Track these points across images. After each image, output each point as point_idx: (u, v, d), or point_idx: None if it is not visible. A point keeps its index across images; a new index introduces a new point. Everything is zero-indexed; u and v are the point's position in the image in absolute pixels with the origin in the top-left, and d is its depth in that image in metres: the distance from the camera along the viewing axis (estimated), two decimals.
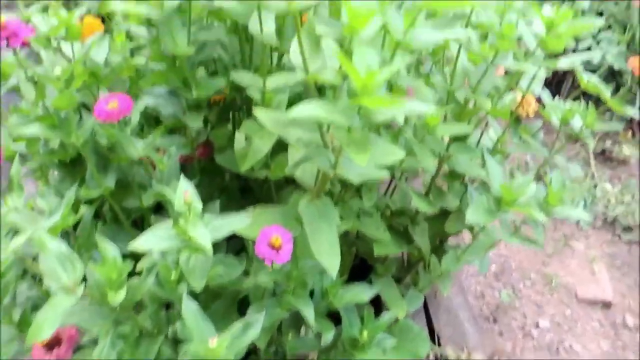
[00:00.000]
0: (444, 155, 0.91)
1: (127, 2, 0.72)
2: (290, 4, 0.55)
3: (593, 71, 1.83)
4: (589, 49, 1.72)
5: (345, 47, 0.68)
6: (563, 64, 0.83)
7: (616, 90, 0.96)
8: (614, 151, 1.90)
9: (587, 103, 0.98)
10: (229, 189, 1.04)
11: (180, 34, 0.76)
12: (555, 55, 0.84)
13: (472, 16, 0.76)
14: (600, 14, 1.76)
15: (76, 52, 0.99)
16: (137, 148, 0.80)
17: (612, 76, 1.77)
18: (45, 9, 1.02)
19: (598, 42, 1.69)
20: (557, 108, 1.02)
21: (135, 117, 0.89)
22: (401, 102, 0.53)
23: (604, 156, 1.93)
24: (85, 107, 0.95)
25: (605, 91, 0.92)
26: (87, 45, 1.00)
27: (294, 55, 0.62)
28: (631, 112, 0.92)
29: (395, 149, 0.61)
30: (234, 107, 0.96)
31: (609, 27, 1.74)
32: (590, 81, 0.94)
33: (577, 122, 0.98)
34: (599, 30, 1.75)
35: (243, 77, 0.78)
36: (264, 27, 0.72)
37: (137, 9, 0.71)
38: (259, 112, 0.67)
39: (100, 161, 0.90)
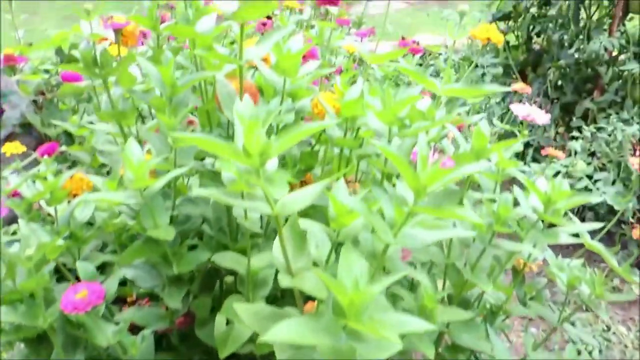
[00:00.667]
0: (444, 330, 0.84)
1: (105, 192, 0.69)
2: (274, 210, 0.52)
3: (591, 208, 1.81)
4: (586, 187, 1.71)
5: (333, 240, 0.64)
6: (564, 238, 0.79)
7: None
8: (624, 290, 1.81)
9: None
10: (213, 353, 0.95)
11: (162, 215, 0.73)
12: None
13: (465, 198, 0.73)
14: (593, 153, 1.77)
15: (60, 212, 0.96)
16: (107, 335, 0.73)
17: (612, 213, 1.74)
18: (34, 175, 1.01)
19: (594, 182, 1.68)
20: (562, 267, 0.97)
21: (112, 287, 0.83)
22: (397, 324, 0.47)
23: None
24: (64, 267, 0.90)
25: (610, 258, 0.87)
26: (72, 206, 0.98)
27: (276, 254, 0.58)
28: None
29: (390, 343, 0.54)
30: (218, 275, 0.90)
31: (603, 167, 1.75)
32: (594, 245, 0.90)
33: (585, 289, 0.92)
34: (594, 168, 1.75)
35: (225, 258, 0.73)
36: (249, 215, 0.68)
37: (115, 196, 0.68)
38: (237, 307, 0.61)
39: (68, 339, 0.83)
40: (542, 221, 0.78)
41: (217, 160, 0.64)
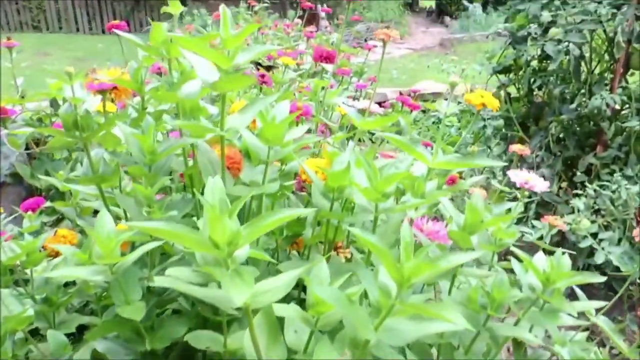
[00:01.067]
0: None
1: (72, 267, 0.65)
2: (246, 308, 0.47)
3: (598, 267, 1.74)
4: (591, 247, 1.65)
5: (312, 326, 0.59)
6: (566, 318, 0.74)
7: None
8: None
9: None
10: None
11: (133, 290, 0.68)
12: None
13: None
14: (597, 211, 1.72)
15: (38, 272, 0.93)
16: None
17: (618, 270, 1.68)
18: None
19: (599, 242, 1.62)
20: (564, 342, 0.91)
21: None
22: None
23: None
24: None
25: (617, 339, 0.82)
26: (51, 265, 0.94)
27: (247, 346, 0.53)
28: None
29: None
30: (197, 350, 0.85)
31: (608, 225, 1.69)
32: (600, 323, 0.84)
33: None
34: (598, 226, 1.69)
35: (200, 338, 0.68)
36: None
37: (81, 273, 0.64)
38: None
39: None
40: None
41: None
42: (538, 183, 0.92)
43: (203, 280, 0.58)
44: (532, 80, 2.10)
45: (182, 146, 0.75)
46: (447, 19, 8.96)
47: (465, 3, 8.25)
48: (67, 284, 0.99)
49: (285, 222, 0.83)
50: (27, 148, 1.41)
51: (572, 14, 1.88)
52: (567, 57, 1.89)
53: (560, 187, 1.96)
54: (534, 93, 2.22)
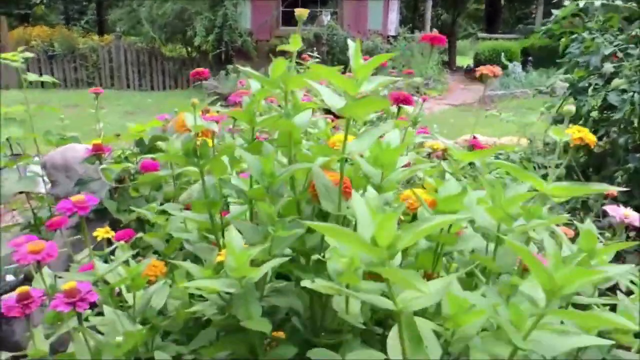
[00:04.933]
0: None
1: (201, 279, 0.69)
2: (397, 305, 0.49)
3: None
4: None
5: (446, 342, 0.60)
6: None
7: None
8: None
9: None
10: None
11: (255, 305, 0.71)
12: None
13: None
14: None
15: (137, 299, 0.96)
16: None
17: None
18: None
19: None
20: None
21: None
22: None
23: None
24: None
25: None
26: (150, 293, 0.97)
27: (392, 349, 0.54)
28: None
29: None
30: None
31: None
32: None
33: None
34: None
35: (318, 355, 0.70)
36: (350, 307, 0.66)
37: (213, 284, 0.67)
38: None
39: None
40: None
41: (328, 251, 0.63)
42: (635, 217, 0.92)
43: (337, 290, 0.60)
44: (593, 130, 2.10)
45: (300, 170, 0.80)
46: None
47: (505, 61, 8.38)
48: (160, 312, 1.02)
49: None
50: (119, 182, 1.49)
51: (636, 66, 1.90)
52: (632, 107, 1.90)
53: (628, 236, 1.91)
54: (596, 143, 2.21)
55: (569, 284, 0.49)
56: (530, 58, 8.97)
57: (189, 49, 10.21)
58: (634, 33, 2.03)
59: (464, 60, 11.65)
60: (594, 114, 2.15)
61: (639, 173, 1.99)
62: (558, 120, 2.17)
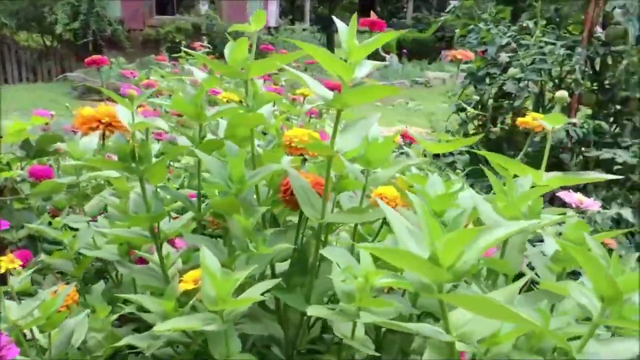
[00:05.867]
0: None
1: (173, 319, 0.54)
2: (453, 336, 0.40)
3: None
4: None
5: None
6: None
7: None
8: None
9: None
10: None
11: (235, 341, 0.58)
12: None
13: None
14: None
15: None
16: None
17: None
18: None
19: None
20: None
21: None
22: None
23: None
24: None
25: None
26: (67, 328, 0.80)
27: None
28: None
29: None
30: None
31: None
32: None
33: None
34: None
35: None
36: (357, 332, 0.56)
37: (190, 323, 0.53)
38: None
39: None
40: None
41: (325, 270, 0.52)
42: (591, 202, 0.94)
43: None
44: (492, 117, 2.21)
45: (273, 173, 0.68)
46: None
47: (383, 54, 8.72)
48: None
49: None
50: None
51: (529, 55, 2.02)
52: (528, 95, 2.02)
53: None
54: (491, 129, 2.33)
55: (632, 290, 0.44)
56: (404, 50, 9.43)
57: (49, 37, 9.18)
58: (524, 24, 2.16)
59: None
60: (490, 101, 2.27)
61: (535, 156, 2.14)
62: (460, 109, 2.25)
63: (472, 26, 2.29)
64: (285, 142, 0.79)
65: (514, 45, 2.09)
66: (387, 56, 8.70)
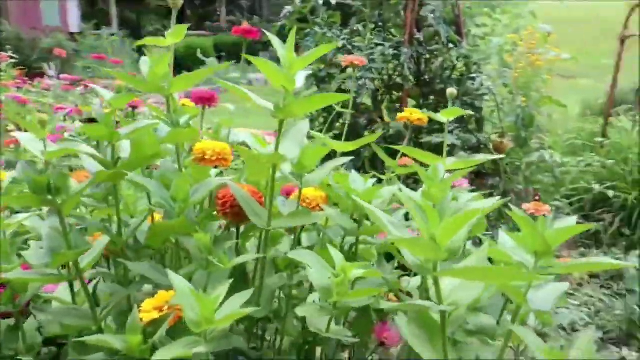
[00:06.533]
0: None
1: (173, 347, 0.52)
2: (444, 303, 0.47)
3: None
4: None
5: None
6: None
7: None
8: None
9: None
10: None
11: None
12: None
13: None
14: None
15: None
16: None
17: None
18: None
19: None
20: None
21: None
22: None
23: None
24: None
25: None
26: None
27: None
28: None
29: None
30: None
31: None
32: None
33: None
34: None
35: None
36: (332, 325, 0.60)
37: (183, 351, 0.51)
38: None
39: None
40: None
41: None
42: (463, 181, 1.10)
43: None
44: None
45: (214, 188, 0.67)
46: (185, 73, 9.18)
47: (202, 57, 8.58)
48: None
49: None
50: None
51: (363, 56, 2.23)
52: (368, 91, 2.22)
53: None
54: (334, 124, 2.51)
55: (557, 243, 0.56)
56: (223, 53, 9.42)
57: None
58: (355, 28, 2.37)
59: None
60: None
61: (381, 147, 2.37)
62: None
63: (307, 30, 2.43)
64: (198, 156, 0.78)
65: (349, 47, 2.28)
66: (208, 60, 8.60)
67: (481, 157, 0.80)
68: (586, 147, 2.99)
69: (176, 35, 0.67)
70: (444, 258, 0.46)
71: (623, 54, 3.06)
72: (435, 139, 2.14)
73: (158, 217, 0.80)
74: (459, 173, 0.71)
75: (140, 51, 10.96)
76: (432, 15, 2.27)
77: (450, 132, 2.25)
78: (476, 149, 2.25)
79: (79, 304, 0.75)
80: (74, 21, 9.07)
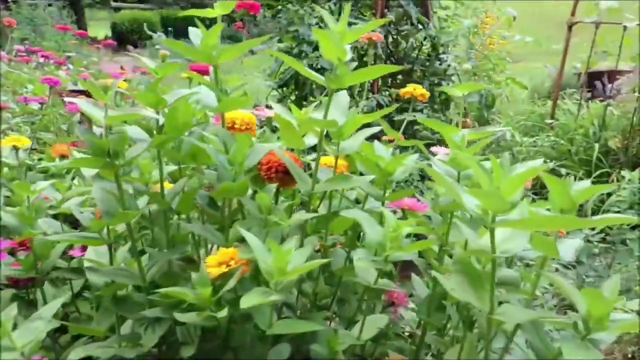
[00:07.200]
0: None
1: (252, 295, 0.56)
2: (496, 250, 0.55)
3: None
4: None
5: None
6: None
7: None
8: None
9: None
10: None
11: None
12: None
13: None
14: None
15: None
16: None
17: None
18: None
19: None
20: None
21: None
22: None
23: None
24: None
25: None
26: None
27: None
28: None
29: None
30: None
31: None
32: None
33: None
34: None
35: None
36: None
37: (263, 299, 0.56)
38: None
39: None
40: None
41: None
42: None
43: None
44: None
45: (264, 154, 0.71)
46: (131, 48, 8.84)
47: (149, 32, 8.32)
48: None
49: None
50: None
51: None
52: None
53: None
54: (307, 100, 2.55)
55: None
56: (170, 28, 9.13)
57: None
58: (326, 6, 2.40)
59: (98, 31, 10.91)
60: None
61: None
62: (281, 85, 2.40)
63: (279, 7, 2.44)
64: (228, 124, 0.81)
65: (322, 24, 2.31)
66: (155, 35, 8.34)
67: (491, 129, 0.88)
68: (536, 128, 3.19)
69: (224, 7, 0.70)
70: (507, 210, 0.53)
71: (570, 40, 3.26)
72: (407, 116, 2.23)
73: (168, 185, 0.83)
74: (482, 142, 0.79)
75: (78, 23, 10.40)
76: None
77: (420, 110, 2.35)
78: None
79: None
80: None
